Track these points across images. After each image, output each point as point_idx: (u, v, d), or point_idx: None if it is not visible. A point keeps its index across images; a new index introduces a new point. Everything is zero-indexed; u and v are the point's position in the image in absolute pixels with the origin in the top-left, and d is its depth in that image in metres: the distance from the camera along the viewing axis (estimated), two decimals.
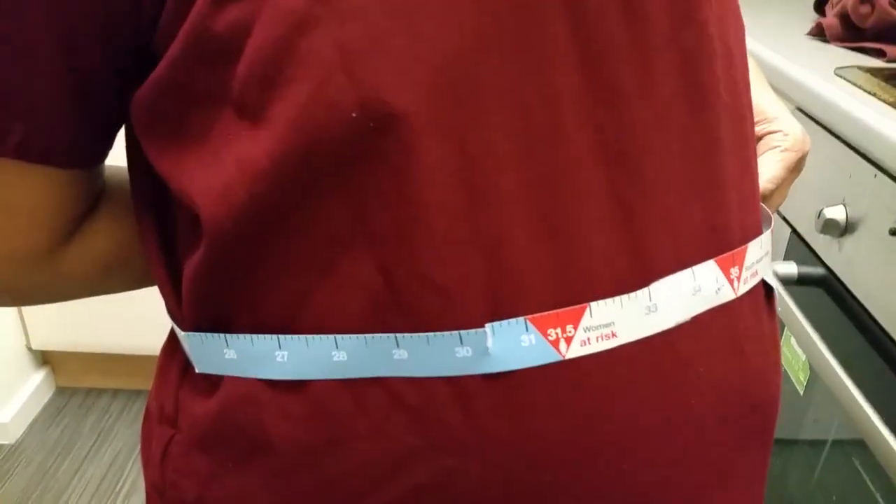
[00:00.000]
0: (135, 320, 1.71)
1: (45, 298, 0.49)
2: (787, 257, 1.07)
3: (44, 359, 2.05)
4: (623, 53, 0.39)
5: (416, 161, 0.35)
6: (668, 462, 0.42)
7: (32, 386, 1.98)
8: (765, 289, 0.48)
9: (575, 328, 0.38)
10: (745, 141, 0.46)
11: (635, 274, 0.40)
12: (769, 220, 0.50)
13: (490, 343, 0.37)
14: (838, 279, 0.92)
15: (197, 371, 0.44)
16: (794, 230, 1.05)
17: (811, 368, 0.94)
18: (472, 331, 0.37)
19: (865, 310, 0.86)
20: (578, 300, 0.39)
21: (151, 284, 0.48)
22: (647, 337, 0.40)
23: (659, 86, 0.40)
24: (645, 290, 0.40)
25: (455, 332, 0.37)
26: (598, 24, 0.38)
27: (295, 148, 0.35)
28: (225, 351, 0.41)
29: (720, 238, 0.44)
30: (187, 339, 0.43)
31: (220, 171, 0.37)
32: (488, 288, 0.37)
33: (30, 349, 1.97)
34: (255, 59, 0.34)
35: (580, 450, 0.39)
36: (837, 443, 0.97)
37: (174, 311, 0.45)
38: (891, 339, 0.81)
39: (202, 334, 0.42)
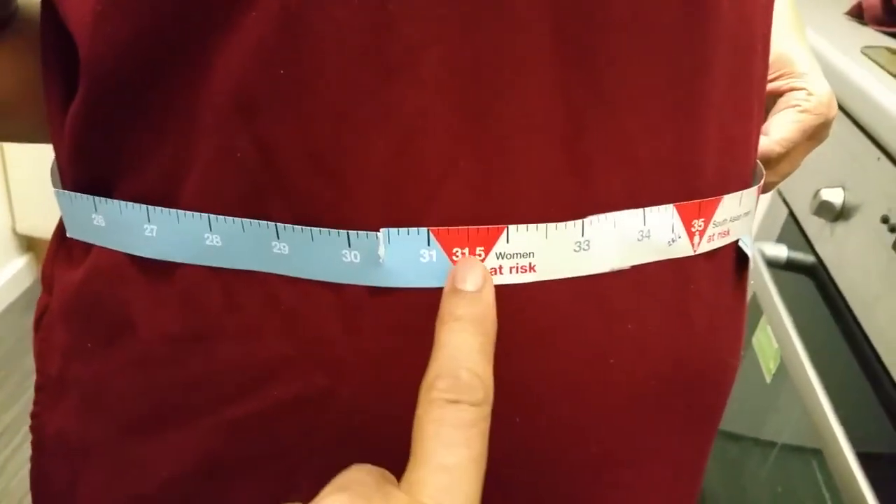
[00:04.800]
0: None
1: None
2: (779, 240, 1.01)
3: (28, 245, 2.03)
4: None
5: (312, 14, 0.30)
6: (571, 425, 0.36)
7: (13, 270, 1.97)
8: (738, 256, 0.41)
9: (486, 252, 0.33)
10: (749, 78, 0.38)
11: (571, 201, 0.33)
12: (761, 177, 0.42)
13: (382, 251, 0.32)
14: (827, 270, 0.86)
15: (67, 235, 0.39)
16: (791, 212, 0.99)
17: (782, 360, 0.89)
18: (363, 233, 0.32)
19: (847, 305, 0.80)
20: (496, 220, 0.32)
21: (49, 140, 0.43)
22: (572, 278, 0.34)
23: None
24: (578, 222, 0.33)
25: (343, 232, 0.32)
26: None
27: None
28: (93, 216, 0.37)
29: (688, 180, 0.36)
30: (58, 196, 0.39)
31: None
32: (390, 185, 0.32)
33: (15, 232, 1.95)
34: None
35: None
36: (792, 447, 0.93)
37: (61, 165, 0.40)
38: (867, 339, 0.76)
39: (72, 194, 0.37)
